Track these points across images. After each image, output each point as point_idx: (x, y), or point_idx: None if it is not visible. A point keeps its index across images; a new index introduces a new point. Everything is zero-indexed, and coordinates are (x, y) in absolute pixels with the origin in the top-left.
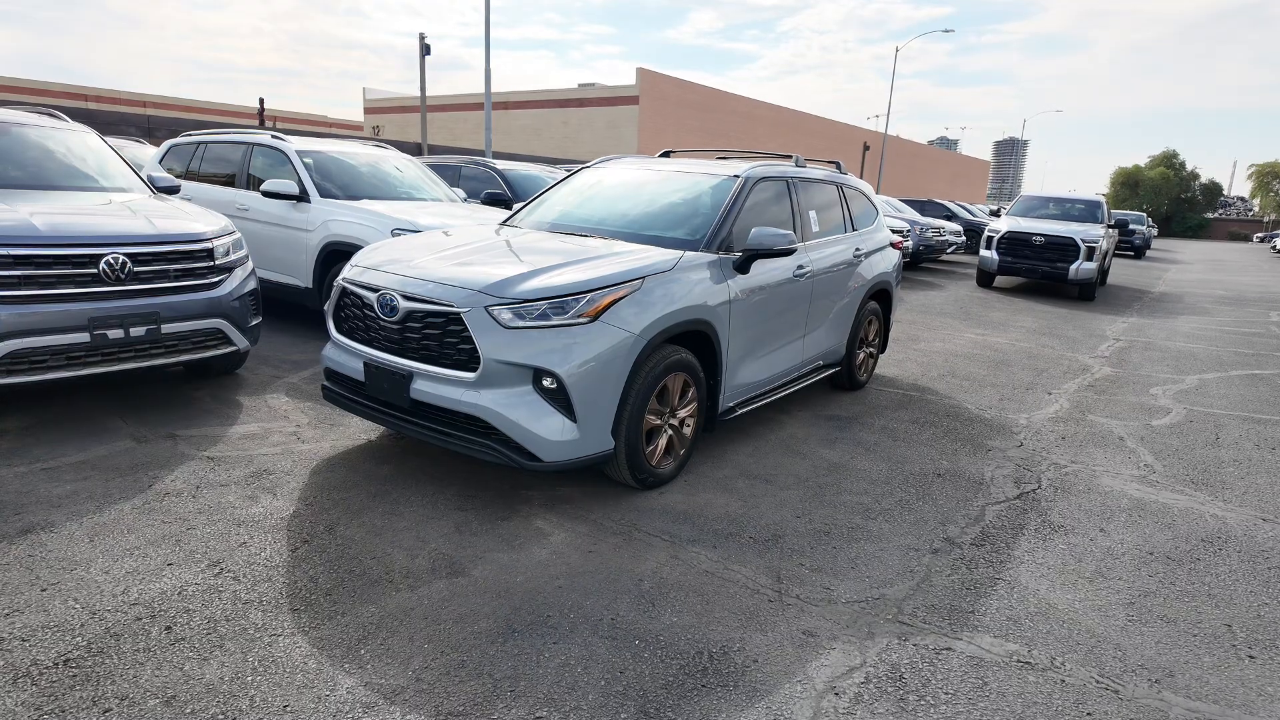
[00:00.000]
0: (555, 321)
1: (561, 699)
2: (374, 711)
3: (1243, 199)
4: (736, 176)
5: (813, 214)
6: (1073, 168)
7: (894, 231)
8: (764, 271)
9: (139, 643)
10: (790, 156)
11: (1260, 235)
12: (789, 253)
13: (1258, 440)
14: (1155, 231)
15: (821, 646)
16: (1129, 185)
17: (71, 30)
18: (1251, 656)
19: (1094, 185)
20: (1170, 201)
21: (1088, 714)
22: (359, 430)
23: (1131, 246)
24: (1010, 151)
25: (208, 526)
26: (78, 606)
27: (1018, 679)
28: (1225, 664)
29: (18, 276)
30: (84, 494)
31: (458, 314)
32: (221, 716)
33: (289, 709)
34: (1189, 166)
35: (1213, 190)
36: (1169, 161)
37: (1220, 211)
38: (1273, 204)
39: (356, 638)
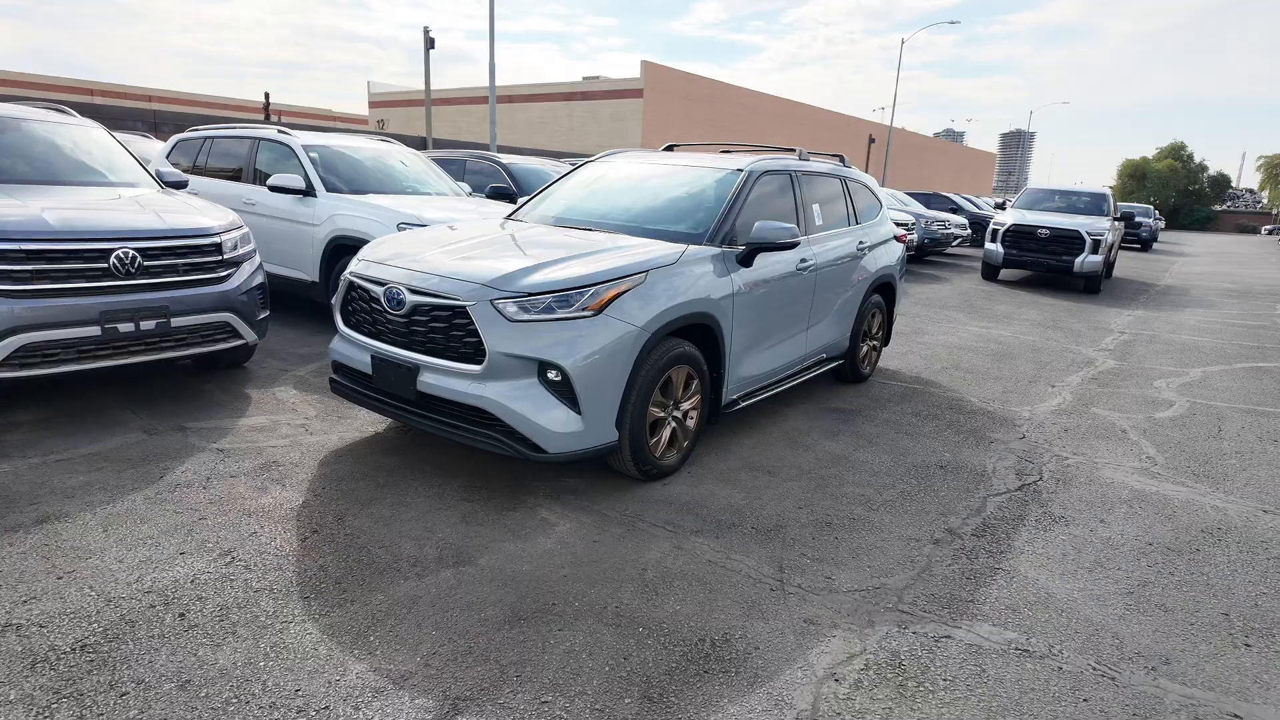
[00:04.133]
0: (560, 315)
1: (566, 684)
2: (383, 695)
3: (1251, 191)
4: (740, 170)
5: (816, 208)
6: (1080, 159)
7: (898, 224)
8: (767, 265)
9: (153, 629)
10: (794, 150)
11: (1269, 228)
12: (792, 246)
13: (1260, 433)
14: (1163, 224)
15: (822, 634)
16: (1136, 177)
17: (75, 24)
18: (1248, 645)
19: (1101, 177)
20: (1178, 194)
21: (1084, 700)
22: (367, 422)
23: (1138, 239)
24: (1017, 143)
25: (219, 516)
26: (93, 594)
27: (1015, 666)
28: (1221, 652)
29: (30, 271)
30: (97, 485)
31: (463, 307)
32: (235, 700)
33: (300, 693)
34: (1197, 158)
35: (1221, 182)
36: (1176, 153)
37: (1229, 204)
38: None
39: (365, 624)
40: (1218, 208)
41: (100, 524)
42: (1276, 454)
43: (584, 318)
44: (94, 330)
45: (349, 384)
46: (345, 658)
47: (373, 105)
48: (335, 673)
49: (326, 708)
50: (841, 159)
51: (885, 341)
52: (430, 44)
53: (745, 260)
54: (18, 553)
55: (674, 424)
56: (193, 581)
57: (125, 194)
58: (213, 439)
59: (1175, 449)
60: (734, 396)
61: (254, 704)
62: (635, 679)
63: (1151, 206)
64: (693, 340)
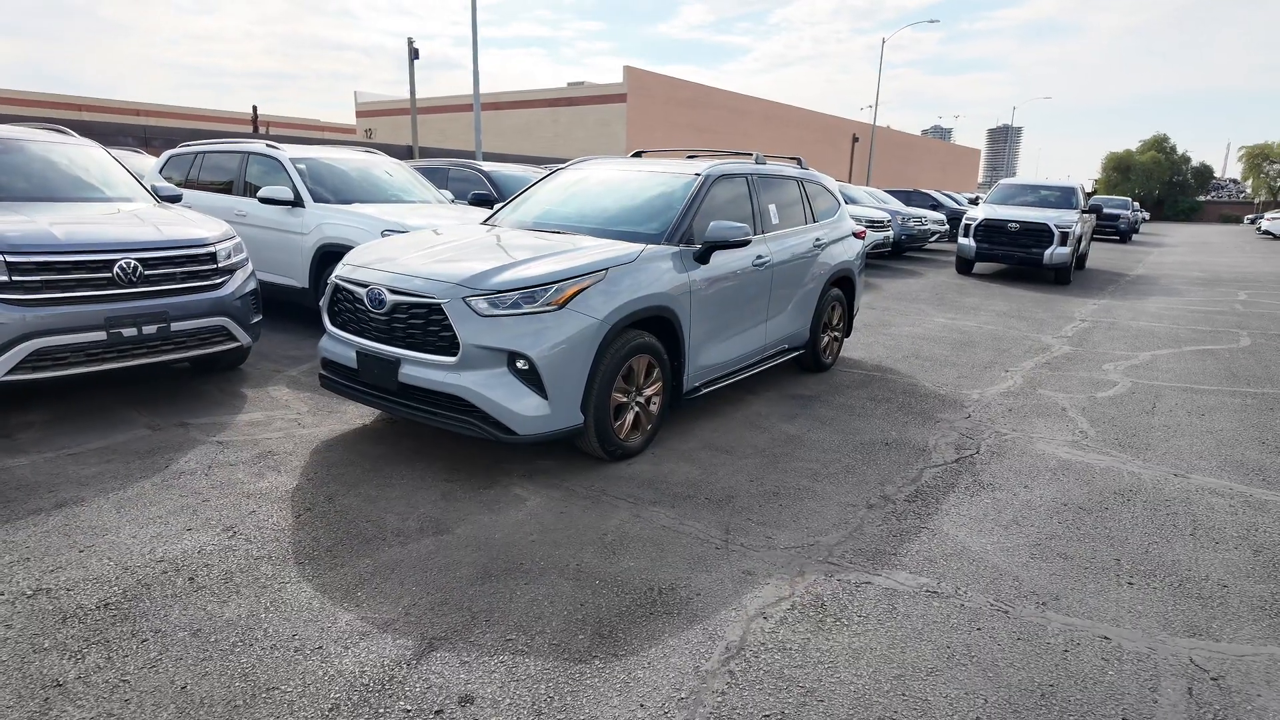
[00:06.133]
0: (526, 309)
1: (530, 625)
2: (369, 637)
3: (1235, 181)
4: (698, 175)
5: (772, 207)
6: (1067, 153)
7: (874, 222)
8: (724, 262)
9: (167, 590)
10: (750, 154)
11: (1250, 217)
12: (745, 244)
13: (1190, 408)
14: (1146, 216)
15: (757, 582)
16: (1120, 170)
17: (63, 38)
18: (1130, 583)
19: (1087, 170)
20: (1162, 185)
21: (978, 629)
22: (355, 416)
23: (1116, 231)
24: (1004, 139)
25: (220, 499)
26: (111, 563)
27: (923, 604)
28: (1106, 589)
29: (40, 281)
30: (108, 474)
31: (438, 305)
32: (240, 644)
33: (296, 637)
34: (1180, 150)
35: (1204, 173)
36: (1159, 145)
37: (1213, 194)
38: (1264, 185)
39: (353, 583)
40: (1201, 198)
41: (114, 507)
42: (1201, 426)
43: (548, 311)
44: (100, 335)
45: (337, 378)
46: (336, 610)
47: (360, 115)
48: (327, 621)
49: (320, 648)
50: (799, 161)
51: (847, 332)
52: (414, 54)
53: (702, 257)
54: (41, 531)
55: (637, 409)
56: (199, 552)
57: (124, 208)
58: (212, 433)
59: (1108, 424)
60: (695, 384)
61: (257, 646)
62: (590, 620)
63: (1130, 198)
64: (653, 332)
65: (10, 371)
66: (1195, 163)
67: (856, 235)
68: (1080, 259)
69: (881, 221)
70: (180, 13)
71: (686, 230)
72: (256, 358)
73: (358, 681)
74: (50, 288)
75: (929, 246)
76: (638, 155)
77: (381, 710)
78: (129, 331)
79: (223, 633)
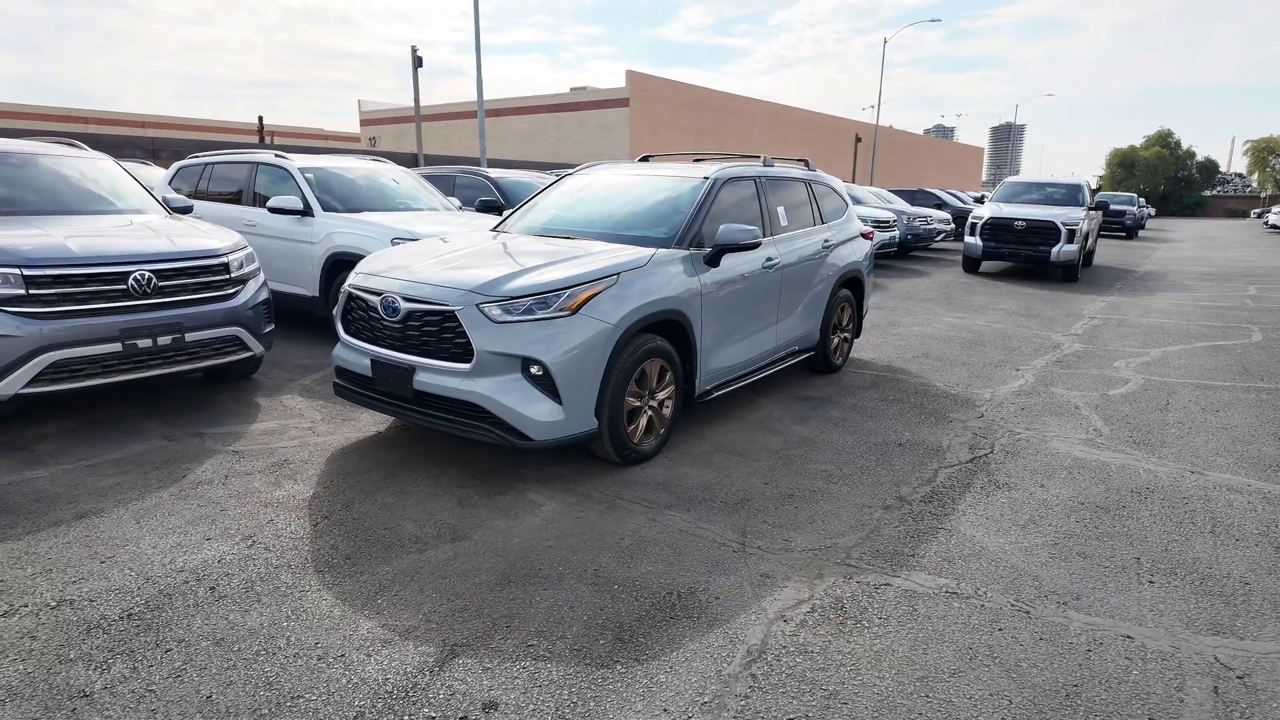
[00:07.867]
0: (540, 315)
1: (550, 631)
2: (391, 645)
3: (1240, 175)
4: (706, 178)
5: (781, 209)
6: (1071, 150)
7: (879, 222)
8: (734, 265)
9: (189, 600)
10: (758, 156)
11: (1258, 211)
12: (755, 246)
13: (1204, 404)
14: (1152, 211)
15: (776, 585)
16: (1125, 166)
17: (64, 51)
18: (1151, 582)
19: (1091, 167)
20: (1167, 181)
21: (999, 629)
22: (369, 423)
23: (1122, 227)
24: (1007, 136)
25: (238, 508)
26: (133, 574)
27: (944, 605)
28: (1126, 588)
29: (56, 294)
30: (126, 485)
31: (452, 312)
32: (264, 652)
33: (319, 645)
34: (1185, 145)
35: (1209, 168)
36: (1164, 141)
37: (1219, 189)
38: (1270, 179)
39: (374, 591)
40: (1208, 193)
41: (133, 517)
42: (1216, 423)
43: (562, 317)
44: (116, 346)
45: (351, 386)
46: (357, 617)
47: (364, 123)
48: (349, 629)
49: (342, 655)
50: (806, 163)
51: (856, 333)
52: (419, 63)
53: (712, 261)
54: (63, 543)
55: (650, 413)
56: (219, 561)
57: (137, 220)
58: (228, 443)
59: (1122, 421)
60: (707, 387)
61: (280, 655)
62: (610, 625)
63: (1135, 194)
64: (665, 335)
65: (28, 384)
66: (1200, 157)
67: (864, 236)
68: (1087, 256)
69: (887, 221)
70: (180, 23)
71: (696, 234)
72: (269, 367)
73: (381, 689)
74: (66, 300)
75: (935, 246)
76: (645, 160)
77: (406, 718)
78: (144, 343)
79: (246, 642)
